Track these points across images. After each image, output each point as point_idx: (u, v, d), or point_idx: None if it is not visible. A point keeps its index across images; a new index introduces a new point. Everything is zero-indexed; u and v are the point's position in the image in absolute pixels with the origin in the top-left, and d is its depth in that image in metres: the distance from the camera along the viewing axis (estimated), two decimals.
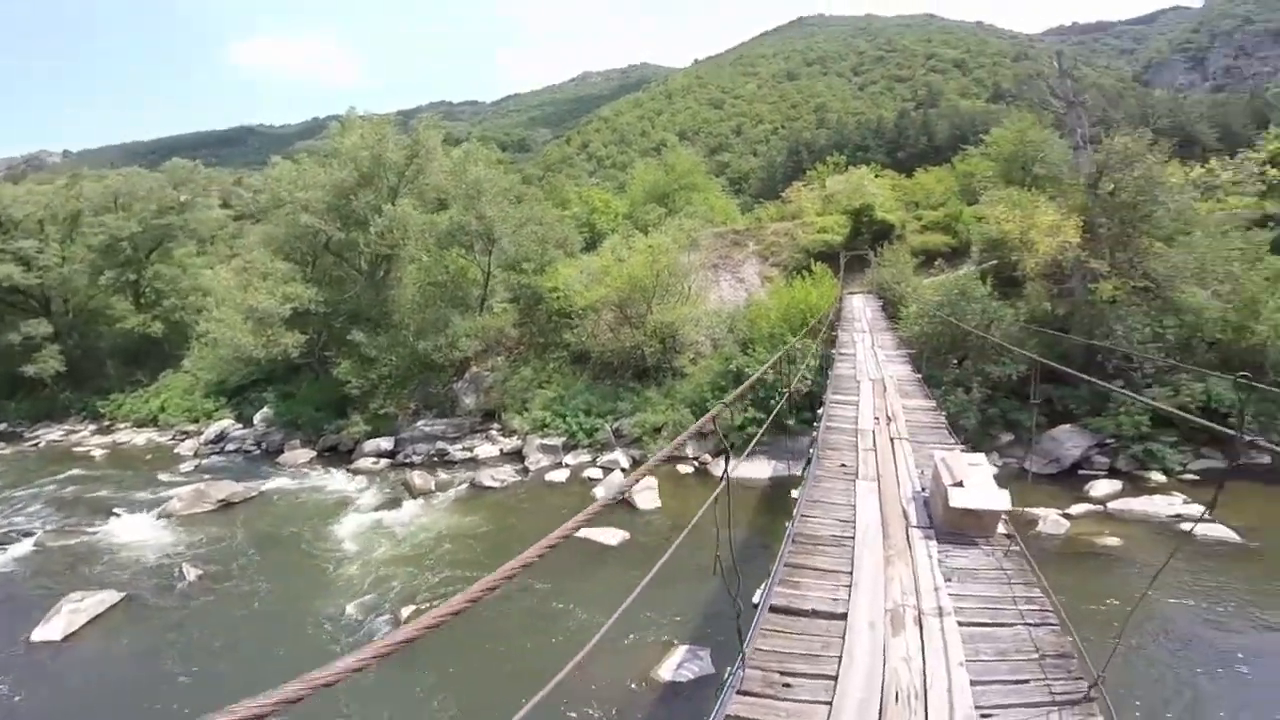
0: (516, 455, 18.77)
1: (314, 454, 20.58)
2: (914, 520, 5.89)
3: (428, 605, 9.83)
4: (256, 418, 23.48)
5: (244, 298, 22.49)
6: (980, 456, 6.23)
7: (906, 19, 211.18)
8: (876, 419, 9.40)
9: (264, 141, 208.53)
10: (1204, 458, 14.22)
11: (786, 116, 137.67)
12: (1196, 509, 11.77)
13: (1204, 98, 77.04)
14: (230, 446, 22.59)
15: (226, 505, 16.17)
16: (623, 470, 17.13)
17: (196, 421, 25.33)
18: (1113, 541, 10.94)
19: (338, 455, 20.31)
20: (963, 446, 8.01)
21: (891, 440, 8.34)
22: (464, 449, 19.16)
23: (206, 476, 18.78)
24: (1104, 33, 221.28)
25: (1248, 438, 2.84)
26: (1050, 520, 11.78)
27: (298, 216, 22.18)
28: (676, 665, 8.34)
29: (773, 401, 16.70)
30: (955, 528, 5.54)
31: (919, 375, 12.53)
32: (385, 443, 19.79)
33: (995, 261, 19.09)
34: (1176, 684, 7.60)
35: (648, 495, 14.86)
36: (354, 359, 21.33)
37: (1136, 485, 13.54)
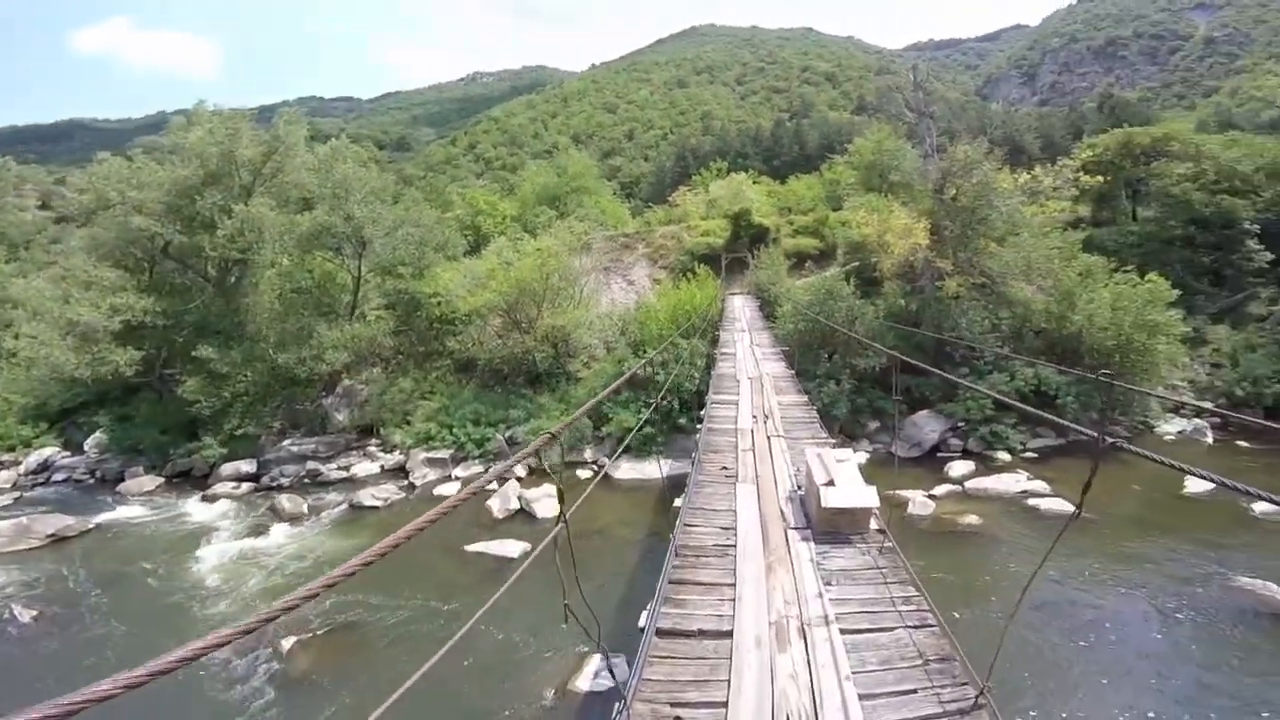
0: (400, 471, 17.63)
1: (161, 481, 18.26)
2: (792, 521, 6.01)
3: (311, 637, 9.34)
4: (88, 444, 20.35)
5: (62, 310, 19.37)
6: (847, 452, 6.45)
7: (787, 31, 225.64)
8: (755, 417, 9.72)
9: (96, 137, 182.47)
10: (1039, 437, 16.15)
11: (676, 123, 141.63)
12: (1039, 485, 13.31)
13: (1032, 110, 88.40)
14: (58, 476, 19.43)
15: (58, 540, 14.02)
16: (518, 479, 16.62)
17: (12, 450, 21.49)
18: (973, 520, 11.99)
19: (191, 481, 18.16)
20: (834, 441, 8.45)
21: (769, 438, 8.62)
22: (339, 468, 17.80)
23: (30, 510, 16.10)
24: (955, 49, 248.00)
25: (1110, 440, 2.75)
26: (918, 502, 12.76)
27: (129, 219, 19.46)
28: (593, 675, 8.13)
29: (665, 402, 17.08)
30: (830, 526, 5.75)
31: (793, 372, 13.37)
32: (246, 465, 17.99)
33: (857, 263, 20.61)
34: (1046, 663, 8.07)
35: (547, 504, 14.42)
36: (202, 376, 19.03)
37: (987, 465, 15.05)
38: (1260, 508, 12.02)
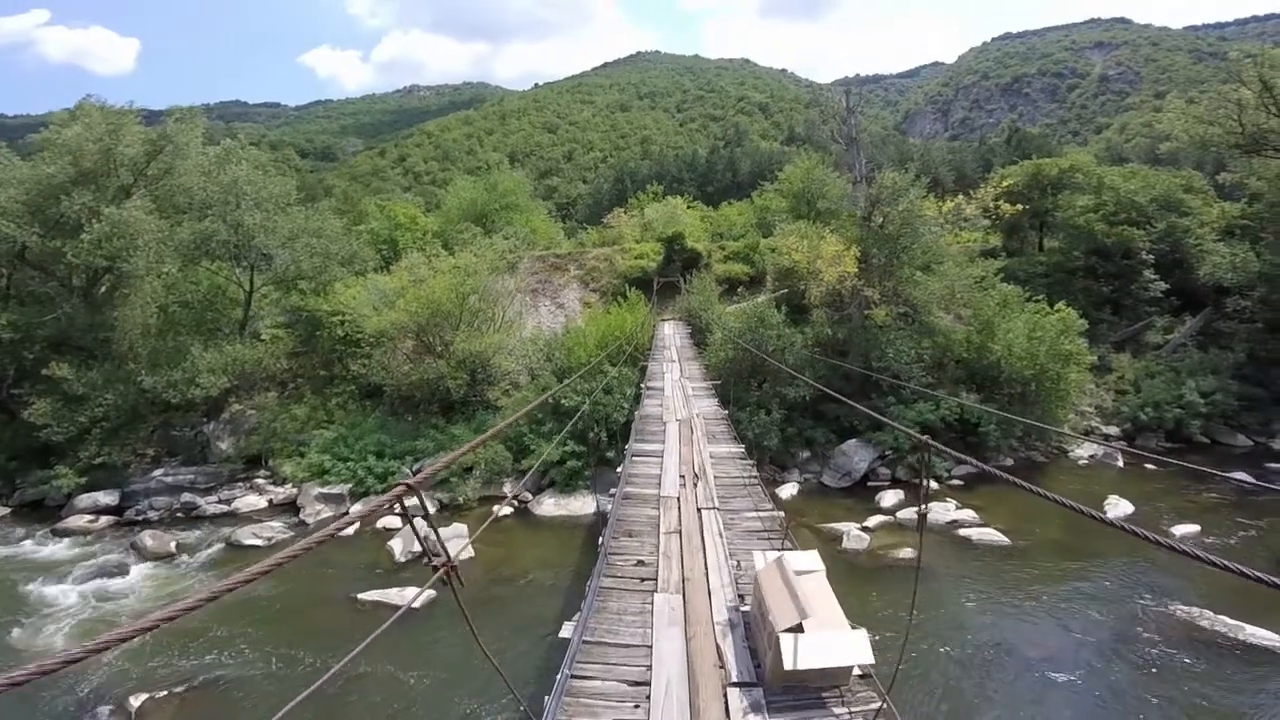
0: (292, 507, 15.87)
1: (7, 512, 16.11)
2: (734, 671, 4.24)
3: (165, 694, 8.38)
4: None
5: None
6: (812, 556, 4.66)
7: (726, 62, 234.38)
8: (683, 477, 8.32)
9: None
10: (962, 464, 16.13)
11: (616, 145, 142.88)
12: (968, 514, 13.17)
13: (944, 144, 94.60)
14: None
15: None
16: (424, 516, 15.05)
17: None
18: (908, 553, 11.62)
19: (43, 512, 15.95)
20: (779, 520, 6.79)
21: (699, 511, 7.11)
22: (219, 501, 16.06)
23: None
24: (878, 84, 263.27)
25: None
26: (853, 535, 12.36)
27: None
28: None
29: (593, 434, 16.09)
30: (793, 681, 4.00)
31: (725, 412, 12.35)
32: (107, 497, 15.93)
33: (786, 290, 20.44)
34: (978, 694, 7.94)
35: (456, 545, 13.09)
36: (55, 397, 16.57)
37: (916, 493, 14.84)
38: (1179, 530, 12.30)
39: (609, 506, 9.93)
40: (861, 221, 18.52)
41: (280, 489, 16.41)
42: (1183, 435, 17.71)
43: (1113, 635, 9.03)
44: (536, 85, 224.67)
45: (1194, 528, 12.39)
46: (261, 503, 16.00)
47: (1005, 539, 12.09)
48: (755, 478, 8.56)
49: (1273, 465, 16.20)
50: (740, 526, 6.93)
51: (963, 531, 12.51)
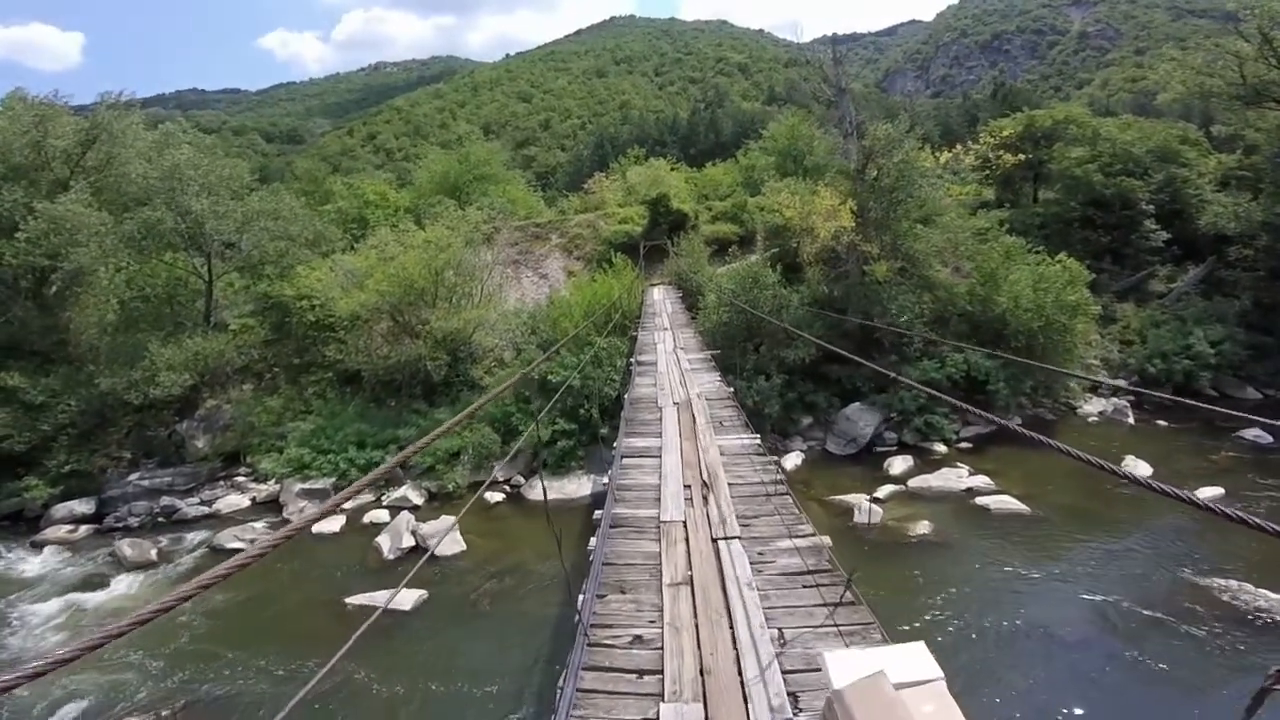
0: (275, 504, 15.05)
1: None
2: None
3: (149, 708, 7.91)
4: None
5: None
6: (920, 655, 2.87)
7: (703, 24, 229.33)
8: (688, 488, 6.51)
9: None
10: (971, 424, 15.57)
11: (594, 112, 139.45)
12: (981, 480, 12.51)
13: (927, 102, 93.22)
14: None
15: None
16: (414, 509, 14.34)
17: None
18: (925, 527, 10.96)
19: (20, 525, 15.02)
20: (826, 546, 5.10)
21: (715, 546, 5.26)
22: (201, 503, 15.21)
23: None
24: (855, 43, 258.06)
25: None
26: (864, 508, 11.66)
27: None
28: None
29: (582, 410, 15.26)
30: None
31: (731, 389, 10.67)
32: (83, 505, 15.05)
33: (778, 249, 19.57)
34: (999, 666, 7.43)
35: (449, 538, 12.20)
36: (14, 407, 15.49)
37: (924, 458, 14.25)
38: (1204, 493, 11.76)
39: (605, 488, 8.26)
40: (855, 175, 17.58)
41: (262, 486, 15.60)
42: (1192, 388, 17.21)
43: (1148, 610, 8.46)
44: (508, 56, 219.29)
45: (1218, 490, 11.87)
46: (244, 501, 15.26)
47: (1024, 506, 11.48)
48: (781, 480, 6.63)
49: None
50: (775, 566, 4.92)
51: (980, 500, 11.90)
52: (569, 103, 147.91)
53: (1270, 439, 14.43)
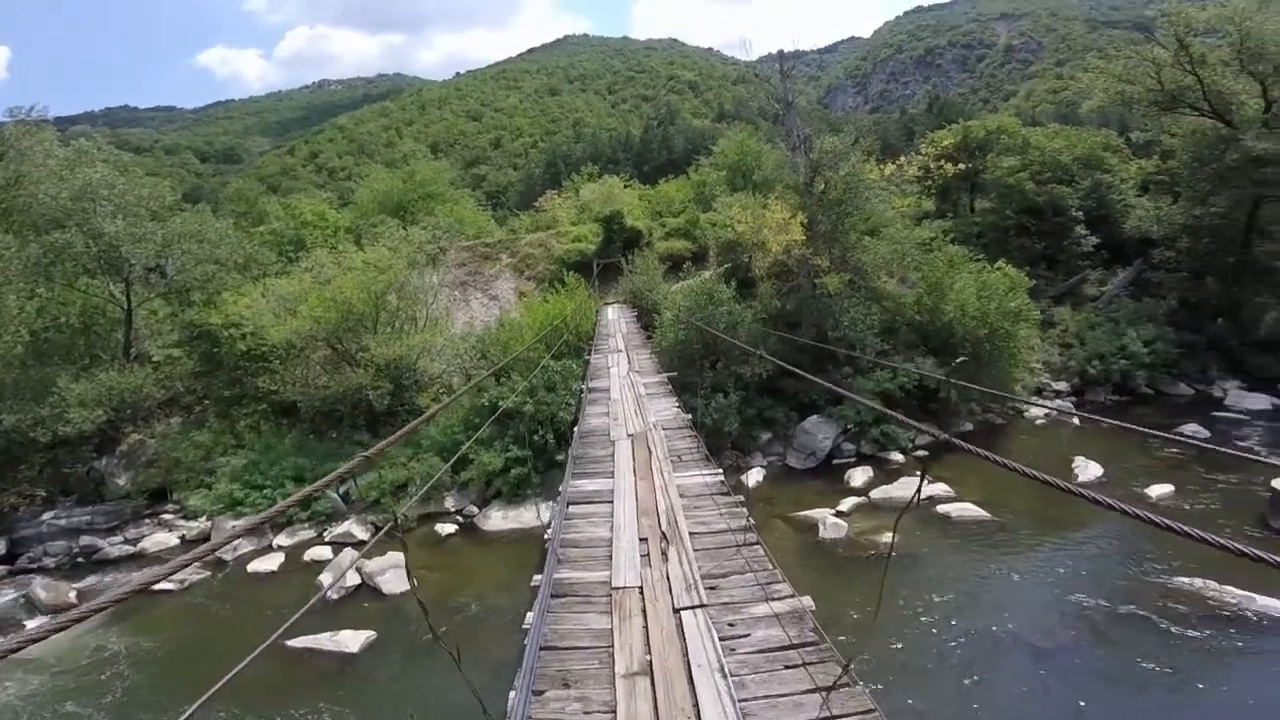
0: (206, 543, 13.96)
1: None
2: None
3: None
4: None
5: None
6: None
7: (655, 42, 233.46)
8: (644, 542, 5.61)
9: None
10: (925, 434, 15.65)
11: (546, 130, 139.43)
12: (941, 488, 12.50)
13: (866, 117, 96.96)
14: None
15: None
16: (358, 544, 13.49)
17: None
18: (889, 538, 10.88)
19: None
20: (809, 610, 4.52)
21: (678, 616, 4.46)
22: (124, 542, 14.43)
23: None
24: (799, 60, 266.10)
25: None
26: (829, 524, 11.56)
27: None
28: None
29: (536, 436, 14.69)
30: None
31: (689, 417, 9.97)
32: None
33: (730, 264, 19.57)
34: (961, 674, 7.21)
35: (396, 575, 11.43)
36: None
37: (883, 468, 14.24)
38: (1154, 491, 12.09)
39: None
40: (804, 188, 17.74)
41: (192, 524, 14.75)
42: (1129, 387, 17.93)
43: (1112, 610, 8.51)
44: (458, 74, 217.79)
45: (1168, 488, 12.22)
46: (172, 540, 14.40)
47: (983, 512, 11.53)
48: (750, 527, 5.79)
49: (1219, 414, 16.48)
50: (750, 641, 4.15)
51: (940, 508, 11.89)
52: (520, 121, 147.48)
53: (1208, 433, 15.07)
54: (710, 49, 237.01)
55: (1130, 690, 7.18)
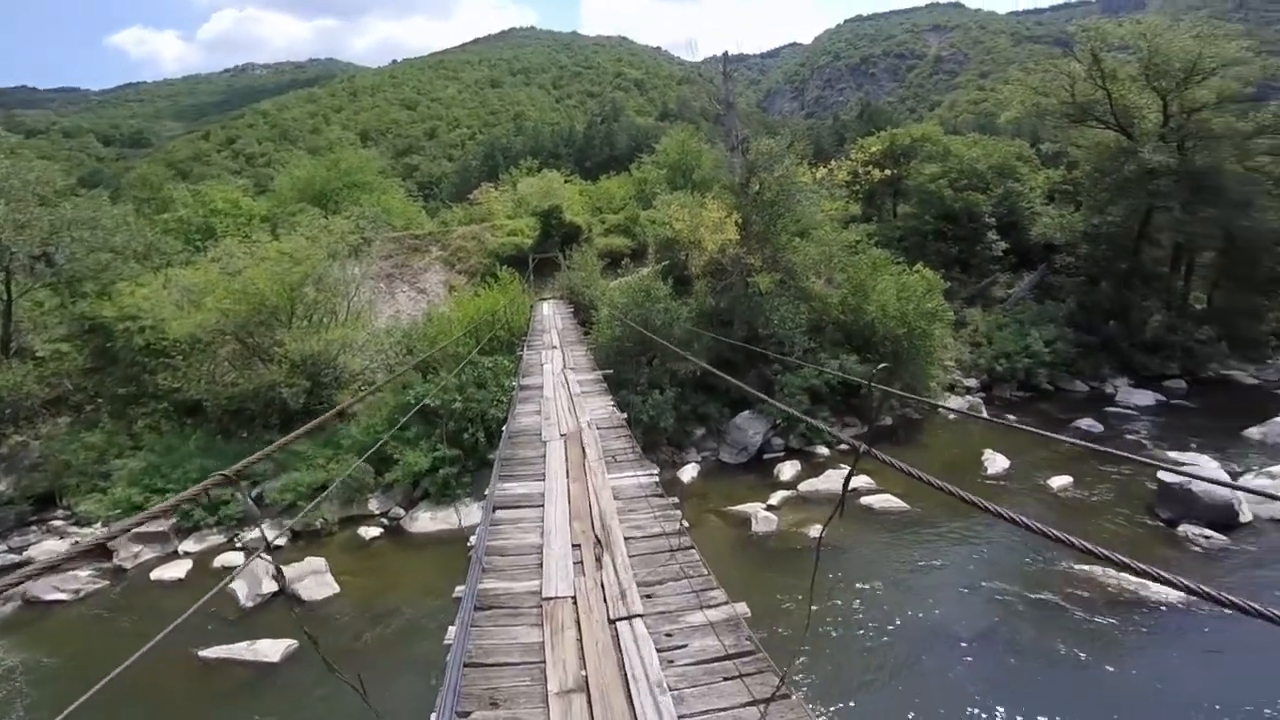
0: (104, 549, 12.95)
1: None
2: None
3: None
4: None
5: None
6: None
7: (604, 39, 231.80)
8: (577, 548, 5.43)
9: None
10: (849, 426, 16.34)
11: (485, 122, 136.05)
12: (864, 480, 12.94)
13: (801, 122, 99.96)
14: None
15: None
16: (272, 550, 12.63)
17: None
18: (817, 531, 11.20)
19: None
20: (745, 617, 4.44)
21: (614, 627, 4.29)
22: (8, 550, 13.44)
23: None
24: (742, 63, 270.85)
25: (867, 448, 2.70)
26: (760, 517, 11.83)
27: None
28: None
29: (466, 435, 14.30)
30: None
31: (624, 416, 9.71)
32: None
33: (668, 261, 19.72)
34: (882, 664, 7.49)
35: (317, 581, 10.94)
36: None
37: (810, 462, 14.74)
38: (1055, 482, 13.01)
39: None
40: (740, 189, 18.06)
41: (86, 530, 13.70)
42: (1032, 384, 19.26)
43: (1024, 597, 9.11)
44: (395, 62, 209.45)
45: (1068, 479, 13.17)
46: (65, 547, 13.18)
47: (904, 504, 12.12)
48: (683, 530, 5.67)
49: (1111, 409, 17.92)
50: (688, 652, 4.04)
51: (864, 500, 12.42)
52: (458, 112, 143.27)
53: (1101, 428, 16.35)
54: (658, 48, 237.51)
55: (1045, 673, 7.66)
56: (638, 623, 4.29)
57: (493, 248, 22.89)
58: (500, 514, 6.29)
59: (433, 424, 14.37)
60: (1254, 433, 15.51)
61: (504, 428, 9.28)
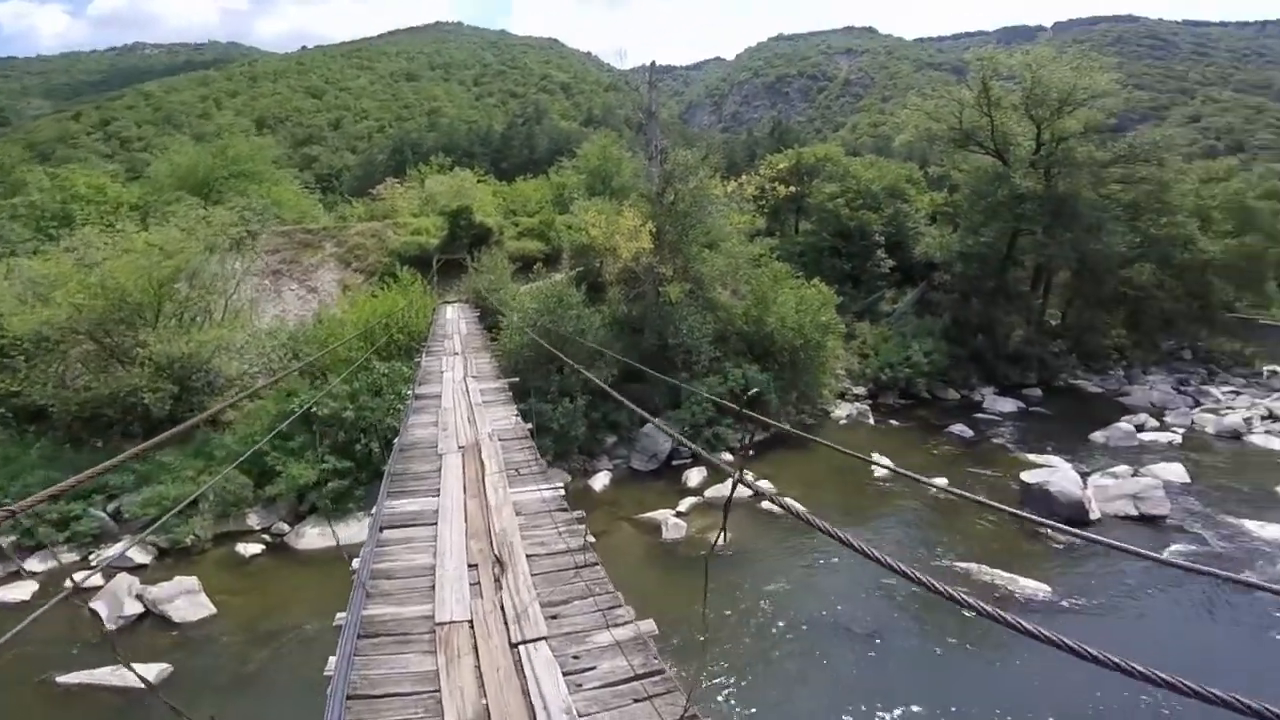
0: None
1: None
2: None
3: None
4: None
5: None
6: None
7: (534, 40, 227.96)
8: (474, 569, 5.16)
9: None
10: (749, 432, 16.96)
11: (397, 116, 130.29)
12: (764, 484, 13.54)
13: (718, 136, 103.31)
14: None
15: None
16: (137, 569, 11.58)
17: None
18: (723, 536, 11.62)
19: None
20: (652, 634, 4.36)
21: (516, 652, 4.09)
22: None
23: None
24: (669, 74, 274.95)
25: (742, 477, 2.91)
26: (670, 524, 12.07)
27: None
28: None
29: (358, 446, 13.55)
30: None
31: (529, 426, 9.27)
32: None
33: (583, 268, 19.73)
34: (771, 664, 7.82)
35: (189, 602, 10.13)
36: None
37: (715, 469, 15.14)
38: (935, 482, 14.12)
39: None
40: (655, 198, 18.39)
41: None
42: (912, 392, 20.93)
43: (912, 593, 9.81)
44: (305, 48, 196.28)
45: (942, 480, 14.33)
46: None
47: (801, 506, 12.75)
48: (589, 545, 5.50)
49: (979, 415, 19.81)
50: (596, 675, 3.89)
51: (766, 504, 12.94)
52: (368, 103, 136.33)
53: (972, 432, 17.97)
54: (589, 53, 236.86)
55: (934, 665, 8.31)
56: (542, 646, 4.09)
57: (394, 246, 21.88)
58: (389, 534, 5.92)
59: (322, 434, 13.55)
60: (1098, 436, 17.64)
61: (395, 440, 8.82)
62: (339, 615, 4.54)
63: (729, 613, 9.36)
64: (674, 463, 15.66)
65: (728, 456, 15.94)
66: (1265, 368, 25.54)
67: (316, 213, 28.80)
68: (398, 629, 4.36)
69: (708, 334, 17.47)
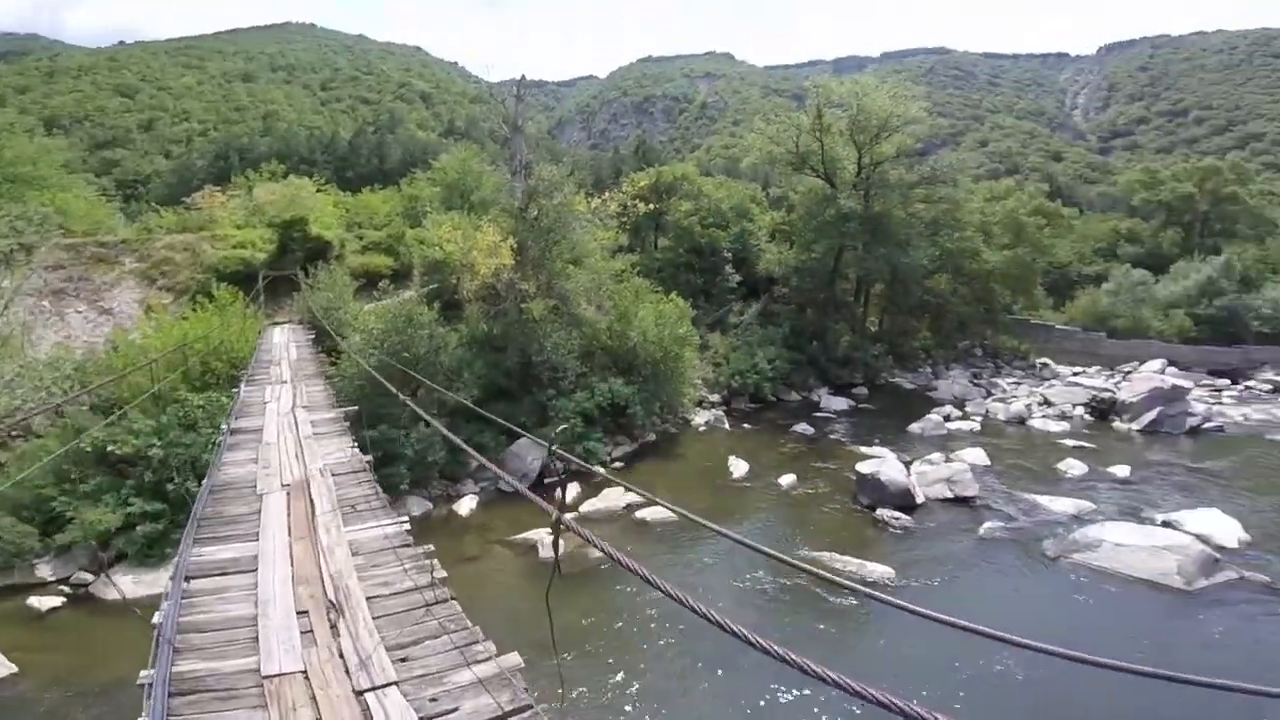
0: None
1: None
2: None
3: None
4: None
5: None
6: None
7: (395, 46, 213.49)
8: (304, 615, 4.71)
9: None
10: (619, 445, 17.50)
11: (225, 119, 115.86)
12: (635, 496, 13.48)
13: (587, 153, 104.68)
14: None
15: None
16: None
17: None
18: (599, 551, 11.59)
19: None
20: (518, 668, 4.16)
21: (363, 700, 3.77)
22: None
23: None
24: (541, 89, 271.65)
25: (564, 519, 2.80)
26: (546, 543, 11.84)
27: None
28: None
29: (170, 486, 11.77)
30: None
31: (368, 460, 8.44)
32: None
33: (436, 285, 18.92)
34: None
35: None
36: None
37: (588, 482, 15.17)
38: (784, 480, 15.23)
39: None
40: (518, 213, 18.13)
41: None
42: (760, 396, 22.74)
43: (780, 584, 10.61)
44: (122, 43, 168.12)
45: (792, 476, 15.62)
46: None
47: (671, 514, 13.16)
48: (439, 581, 5.15)
49: (818, 414, 22.00)
50: (461, 715, 3.72)
51: (638, 515, 13.34)
52: (191, 104, 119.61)
53: (813, 430, 19.76)
54: (455, 63, 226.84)
55: (807, 646, 8.76)
56: (391, 691, 3.78)
57: (212, 261, 19.32)
58: (198, 583, 5.25)
59: (119, 475, 11.65)
60: (915, 427, 20.25)
61: (204, 481, 7.79)
62: (143, 673, 4.00)
63: (619, 624, 9.50)
64: (546, 480, 15.37)
65: (600, 470, 16.03)
66: (1038, 360, 31.12)
67: (114, 223, 24.57)
68: (218, 685, 3.92)
69: (573, 350, 17.52)
